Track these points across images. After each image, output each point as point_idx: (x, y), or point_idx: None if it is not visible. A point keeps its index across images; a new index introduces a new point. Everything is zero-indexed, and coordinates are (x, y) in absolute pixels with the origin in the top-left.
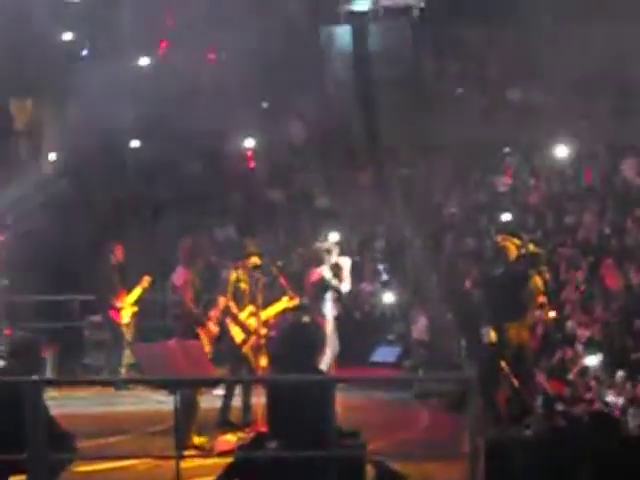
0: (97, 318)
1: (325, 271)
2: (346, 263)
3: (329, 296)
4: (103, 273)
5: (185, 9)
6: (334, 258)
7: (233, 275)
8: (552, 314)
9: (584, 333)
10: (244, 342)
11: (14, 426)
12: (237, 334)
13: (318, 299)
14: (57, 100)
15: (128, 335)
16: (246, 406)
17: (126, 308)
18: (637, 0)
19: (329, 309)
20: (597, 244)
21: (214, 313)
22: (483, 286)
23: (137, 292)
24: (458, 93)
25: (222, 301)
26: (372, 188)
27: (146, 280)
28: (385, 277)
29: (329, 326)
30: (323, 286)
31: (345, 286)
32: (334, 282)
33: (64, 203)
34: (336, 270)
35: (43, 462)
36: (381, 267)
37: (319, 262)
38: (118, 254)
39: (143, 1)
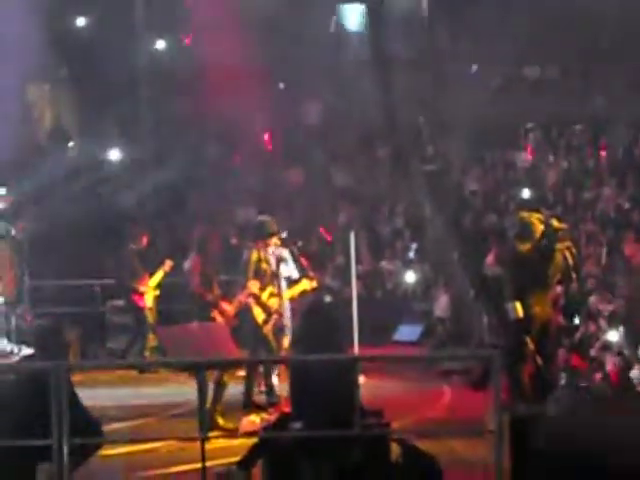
0: (119, 302)
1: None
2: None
3: None
4: (125, 258)
5: None
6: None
7: (254, 255)
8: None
9: (606, 308)
10: (265, 322)
11: (42, 413)
12: (258, 314)
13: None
14: (75, 85)
15: (151, 318)
16: (269, 387)
17: (149, 292)
18: None
19: None
20: (617, 218)
21: (241, 296)
22: (509, 262)
23: (159, 276)
24: (474, 70)
25: (251, 284)
26: (390, 167)
27: (168, 264)
28: (411, 255)
29: None
30: None
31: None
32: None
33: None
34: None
35: (69, 448)
36: (412, 245)
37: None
38: (142, 240)
39: None
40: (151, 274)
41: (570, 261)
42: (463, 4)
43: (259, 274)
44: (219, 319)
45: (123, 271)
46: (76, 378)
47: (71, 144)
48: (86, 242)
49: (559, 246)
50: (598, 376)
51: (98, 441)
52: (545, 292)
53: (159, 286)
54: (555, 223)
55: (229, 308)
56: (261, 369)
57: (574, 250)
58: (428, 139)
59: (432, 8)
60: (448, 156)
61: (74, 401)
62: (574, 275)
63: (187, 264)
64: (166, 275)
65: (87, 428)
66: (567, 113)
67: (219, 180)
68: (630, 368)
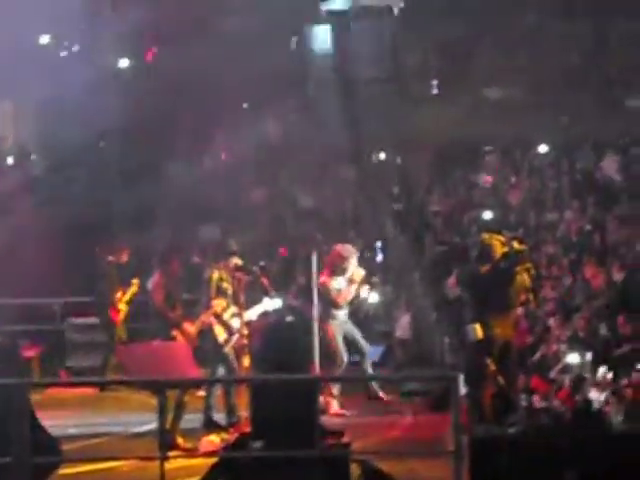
0: (78, 320)
1: (333, 279)
2: (359, 275)
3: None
4: (102, 271)
5: (166, 10)
6: (352, 265)
7: (215, 274)
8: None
9: (566, 331)
10: (226, 342)
11: (1, 432)
12: (220, 334)
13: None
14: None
15: (122, 335)
16: (229, 406)
17: (123, 308)
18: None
19: (335, 315)
20: (578, 241)
21: (204, 315)
22: (469, 284)
23: (132, 292)
24: (437, 91)
25: (215, 304)
26: (354, 187)
27: (135, 283)
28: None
29: (334, 330)
30: (323, 294)
31: (347, 298)
32: (334, 294)
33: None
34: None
35: (28, 466)
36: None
37: (339, 268)
38: (122, 254)
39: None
40: (124, 290)
41: (527, 283)
42: (430, 24)
43: (220, 293)
44: (180, 338)
45: (101, 284)
46: (35, 397)
47: (33, 158)
48: (47, 259)
49: (519, 268)
50: (557, 398)
51: (56, 460)
52: (506, 313)
53: (129, 302)
54: (516, 245)
55: (191, 328)
56: (221, 389)
57: (533, 272)
58: (394, 177)
59: (399, 28)
60: (411, 178)
61: (32, 420)
62: (531, 297)
63: (150, 282)
64: (134, 294)
65: (45, 447)
66: (530, 134)
67: (182, 197)
68: (588, 390)
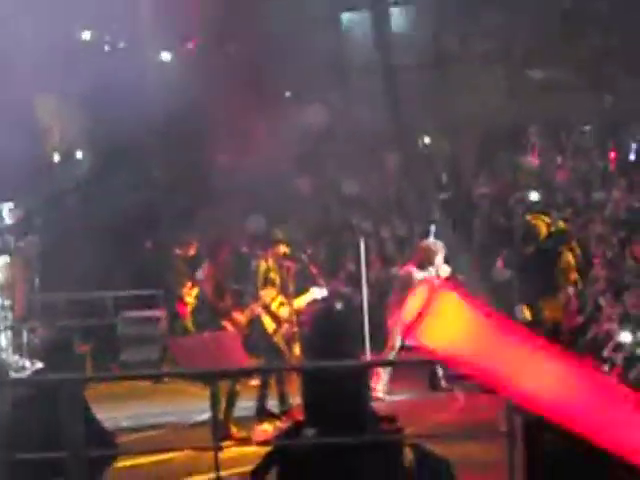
0: (130, 313)
1: (419, 271)
2: (445, 271)
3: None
4: (171, 266)
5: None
6: (439, 260)
7: (263, 264)
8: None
9: (617, 309)
10: (275, 332)
11: (55, 427)
12: (269, 323)
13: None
14: (81, 97)
15: (191, 328)
16: (282, 395)
17: (190, 302)
18: None
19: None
20: (627, 219)
21: (254, 305)
22: (515, 265)
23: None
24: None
25: (264, 294)
26: (400, 173)
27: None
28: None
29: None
30: (404, 284)
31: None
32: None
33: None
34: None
35: (83, 461)
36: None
37: (426, 262)
38: (190, 248)
39: None
40: (192, 283)
41: (573, 262)
42: (470, 7)
43: (268, 283)
44: (230, 328)
45: (169, 277)
46: (89, 391)
47: (78, 155)
48: (97, 253)
49: (564, 247)
50: (611, 377)
51: (112, 453)
52: (554, 294)
53: (197, 296)
54: (561, 225)
55: (240, 317)
56: (274, 378)
57: (578, 251)
58: (440, 162)
59: (439, 13)
60: (457, 161)
61: (87, 414)
62: (576, 276)
63: (200, 273)
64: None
65: (101, 441)
66: (574, 114)
67: (229, 189)
68: None
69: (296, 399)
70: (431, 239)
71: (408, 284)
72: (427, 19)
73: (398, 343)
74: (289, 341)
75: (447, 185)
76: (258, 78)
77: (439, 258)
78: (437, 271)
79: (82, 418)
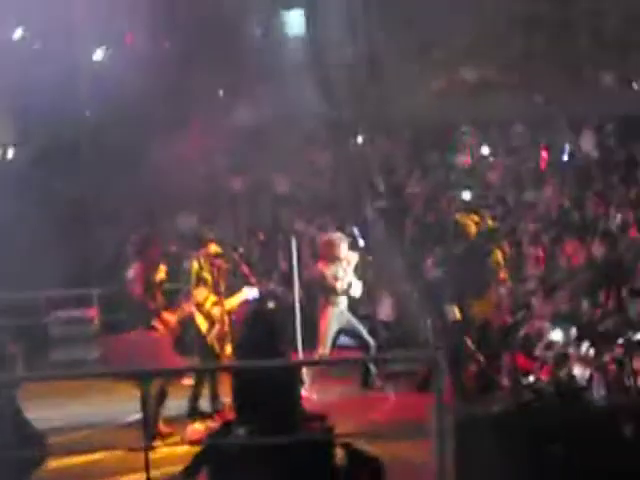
0: (61, 313)
1: (328, 267)
2: (353, 258)
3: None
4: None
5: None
6: (343, 251)
7: (195, 264)
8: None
9: (548, 308)
10: (208, 331)
11: None
12: (202, 323)
13: (319, 294)
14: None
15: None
16: (213, 394)
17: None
18: None
19: (335, 302)
20: (558, 218)
21: (186, 305)
22: (445, 264)
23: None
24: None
25: (197, 293)
26: (331, 171)
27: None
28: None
29: (330, 318)
30: (321, 283)
31: (345, 283)
32: (331, 282)
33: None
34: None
35: (13, 461)
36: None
37: (332, 256)
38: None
39: None
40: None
41: (502, 261)
42: (401, 4)
43: (201, 282)
44: (161, 328)
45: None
46: (20, 391)
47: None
48: (28, 252)
49: (494, 246)
50: (542, 375)
51: (42, 454)
52: (483, 292)
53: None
54: (490, 223)
55: (171, 317)
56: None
57: (507, 250)
58: (377, 174)
59: (370, 10)
60: (389, 160)
61: (18, 415)
62: (506, 274)
63: (129, 272)
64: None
65: (31, 441)
66: (505, 114)
67: (159, 186)
68: (572, 366)
69: (228, 399)
70: (333, 233)
71: (323, 282)
72: (360, 18)
73: (329, 342)
74: (221, 341)
75: (379, 186)
76: (191, 75)
77: (343, 249)
78: (345, 261)
79: (13, 418)
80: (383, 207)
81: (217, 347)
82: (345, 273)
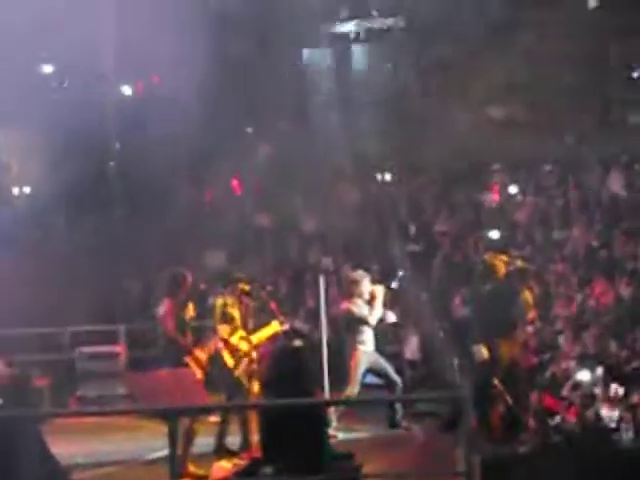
0: (87, 349)
1: (353, 304)
2: (379, 292)
3: (365, 328)
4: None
5: (165, 38)
6: (366, 287)
7: (219, 301)
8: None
9: (576, 348)
10: (236, 367)
11: (13, 462)
12: (228, 359)
13: (348, 333)
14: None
15: None
16: (243, 432)
17: None
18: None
19: (364, 341)
20: (586, 258)
21: (213, 341)
22: (472, 304)
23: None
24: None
25: (221, 329)
26: (359, 209)
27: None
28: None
29: (360, 358)
30: (348, 319)
31: (374, 317)
32: (359, 314)
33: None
34: (369, 300)
35: None
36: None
37: (348, 294)
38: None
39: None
40: None
41: (531, 301)
42: (430, 44)
43: (225, 319)
44: (192, 365)
45: None
46: (47, 427)
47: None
48: (53, 289)
49: (523, 286)
50: (569, 416)
51: None
52: (511, 332)
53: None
54: (519, 263)
55: (202, 354)
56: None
57: (536, 290)
58: (408, 217)
59: (399, 49)
60: (416, 196)
61: (44, 450)
62: (535, 315)
63: (160, 309)
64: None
65: (56, 476)
66: (534, 153)
67: (187, 224)
68: (599, 407)
69: (255, 436)
70: (352, 271)
71: (352, 318)
72: (386, 56)
73: (359, 382)
74: (249, 377)
75: (406, 221)
76: (220, 113)
77: (366, 285)
78: (370, 295)
79: (39, 454)
80: (414, 250)
81: (245, 382)
82: (373, 308)
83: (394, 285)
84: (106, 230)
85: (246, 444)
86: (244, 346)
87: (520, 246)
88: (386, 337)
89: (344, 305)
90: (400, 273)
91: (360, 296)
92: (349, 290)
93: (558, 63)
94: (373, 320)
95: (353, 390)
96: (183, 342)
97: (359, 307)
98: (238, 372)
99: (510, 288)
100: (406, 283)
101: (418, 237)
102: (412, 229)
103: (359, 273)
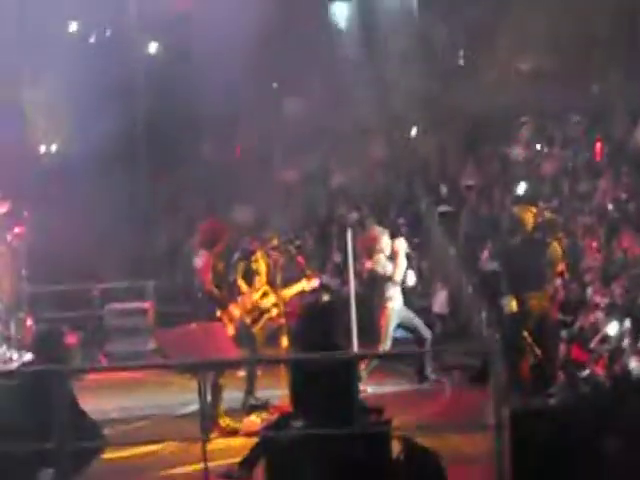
0: (117, 305)
1: (376, 262)
2: (401, 246)
3: (389, 285)
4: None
5: None
6: (386, 243)
7: (240, 256)
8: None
9: (604, 300)
10: (254, 322)
11: (44, 418)
12: (248, 314)
13: (375, 291)
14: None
15: None
16: (249, 388)
17: None
18: None
19: (392, 298)
20: (614, 210)
21: (246, 297)
22: (502, 256)
23: None
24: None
25: (241, 285)
26: (385, 163)
27: None
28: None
29: (389, 315)
30: (374, 278)
31: (398, 273)
32: (383, 272)
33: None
34: (392, 256)
35: (70, 452)
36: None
37: (369, 253)
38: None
39: None
40: None
41: (560, 253)
42: None
43: (249, 274)
44: (225, 320)
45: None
46: (77, 382)
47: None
48: (84, 245)
49: (551, 239)
50: (598, 368)
51: (99, 445)
52: (540, 285)
53: None
54: (548, 215)
55: (236, 310)
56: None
57: (565, 242)
58: (426, 153)
59: (425, 2)
60: (444, 152)
61: (74, 405)
62: (564, 267)
63: (197, 262)
64: None
65: (87, 432)
66: (561, 105)
67: (216, 179)
68: (628, 359)
69: (285, 391)
70: (370, 228)
71: (378, 275)
72: (413, 9)
73: (390, 338)
74: (278, 332)
75: (433, 175)
76: (244, 69)
77: (385, 241)
78: (392, 251)
79: (70, 410)
80: (446, 211)
81: (260, 338)
82: (396, 264)
83: (418, 240)
84: (134, 186)
85: (251, 401)
86: (267, 303)
87: (547, 199)
88: (415, 291)
89: (367, 264)
90: (426, 227)
91: (382, 252)
92: (370, 247)
93: (585, 14)
94: (398, 276)
95: (384, 347)
96: (219, 297)
97: (382, 264)
98: (256, 328)
99: (539, 240)
100: (434, 237)
101: (449, 198)
102: (443, 190)
103: (377, 229)
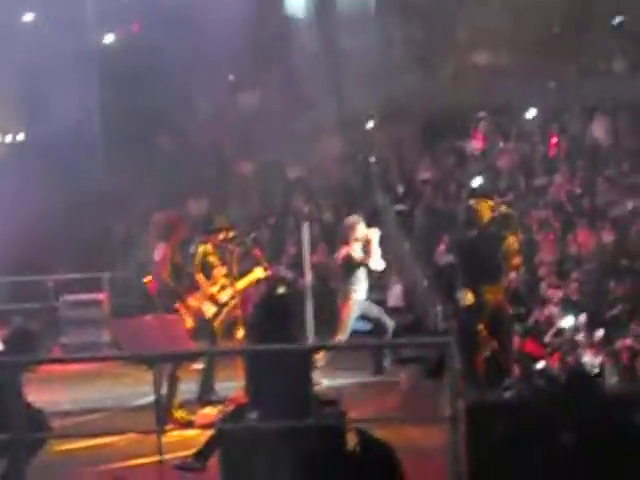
0: (71, 297)
1: (353, 249)
2: (374, 235)
3: (361, 275)
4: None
5: None
6: (360, 232)
7: (201, 248)
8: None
9: (558, 294)
10: (215, 316)
11: None
12: (208, 308)
13: (345, 280)
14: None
15: None
16: (205, 381)
17: None
18: None
19: (358, 289)
20: (569, 204)
21: (204, 289)
22: (457, 249)
23: None
24: (422, 58)
25: (200, 278)
26: (341, 158)
27: None
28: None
29: (352, 307)
30: (349, 265)
31: (374, 261)
32: (360, 259)
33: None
34: (365, 245)
35: (24, 444)
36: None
37: (346, 240)
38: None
39: None
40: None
41: (516, 247)
42: None
43: (206, 267)
44: (183, 312)
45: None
46: (29, 374)
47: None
48: (37, 237)
49: (507, 232)
50: (552, 361)
51: (45, 435)
52: (496, 278)
53: None
54: (504, 209)
55: (194, 302)
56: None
57: (521, 236)
58: (382, 147)
59: None
60: (399, 146)
61: (20, 395)
62: (519, 261)
63: (156, 254)
64: None
65: (33, 422)
66: (517, 100)
67: (170, 171)
68: (582, 353)
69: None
70: (351, 217)
71: (353, 262)
72: (370, 3)
73: (349, 329)
74: (233, 324)
75: (389, 169)
76: (199, 61)
77: (361, 230)
78: (365, 240)
79: (22, 400)
80: (402, 210)
81: (224, 332)
82: (369, 252)
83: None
84: (89, 177)
85: (205, 391)
86: (224, 296)
87: (503, 193)
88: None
89: (343, 250)
90: (382, 220)
91: (357, 241)
92: (346, 236)
93: (542, 9)
94: (373, 264)
95: (342, 338)
96: (177, 289)
97: (357, 252)
98: (216, 322)
99: (495, 234)
100: (389, 230)
101: (406, 194)
102: (400, 189)
103: (354, 217)
